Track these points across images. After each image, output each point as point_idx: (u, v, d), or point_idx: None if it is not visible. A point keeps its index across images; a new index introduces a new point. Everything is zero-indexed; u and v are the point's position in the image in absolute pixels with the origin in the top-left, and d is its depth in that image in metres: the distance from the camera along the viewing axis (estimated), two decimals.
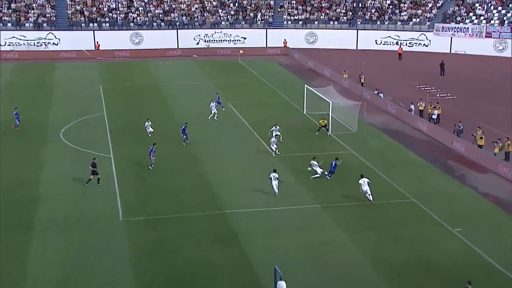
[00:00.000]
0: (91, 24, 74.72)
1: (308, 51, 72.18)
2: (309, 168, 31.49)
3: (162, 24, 76.36)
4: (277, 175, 29.86)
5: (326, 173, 30.99)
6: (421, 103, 43.44)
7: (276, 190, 29.21)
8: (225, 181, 31.17)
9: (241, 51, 70.85)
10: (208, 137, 38.24)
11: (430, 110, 42.50)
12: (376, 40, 74.96)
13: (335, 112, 41.45)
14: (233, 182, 30.95)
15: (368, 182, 28.42)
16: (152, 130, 37.51)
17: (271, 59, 70.28)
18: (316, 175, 31.03)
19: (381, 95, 47.95)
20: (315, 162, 31.24)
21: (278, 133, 36.64)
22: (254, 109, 45.16)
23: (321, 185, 30.57)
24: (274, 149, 34.68)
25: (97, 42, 71.64)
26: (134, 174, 32.14)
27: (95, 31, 72.87)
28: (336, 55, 70.78)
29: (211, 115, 42.02)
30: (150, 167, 32.19)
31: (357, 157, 34.77)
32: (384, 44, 74.61)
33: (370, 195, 28.08)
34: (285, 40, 74.29)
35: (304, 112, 44.70)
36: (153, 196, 29.27)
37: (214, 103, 42.43)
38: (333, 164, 31.14)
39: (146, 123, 37.75)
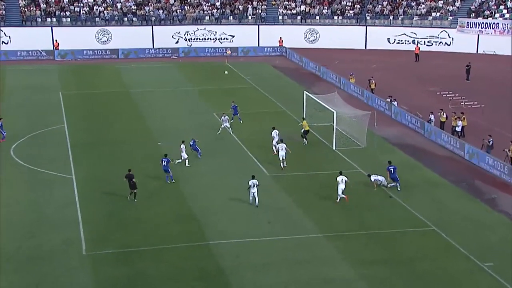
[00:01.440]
0: (48, 19, 75.08)
1: (308, 51, 72.91)
2: (376, 188, 32.83)
3: (134, 19, 76.91)
4: (257, 182, 30.48)
5: (391, 184, 33.02)
6: (442, 113, 43.93)
7: (256, 200, 30.43)
8: (210, 206, 31.29)
9: (229, 52, 71.50)
10: (191, 155, 38.41)
11: (453, 121, 43.04)
12: (388, 39, 75.82)
13: (340, 123, 41.77)
14: (220, 207, 31.07)
15: (346, 181, 31.05)
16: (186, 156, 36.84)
17: (264, 61, 70.87)
18: (389, 184, 32.84)
19: (395, 103, 48.46)
20: (374, 177, 32.84)
21: (277, 137, 38.19)
22: (245, 120, 45.47)
23: (323, 210, 30.75)
24: (281, 159, 35.83)
25: (56, 41, 71.94)
26: (100, 198, 32.17)
27: (53, 28, 73.27)
28: (341, 56, 71.53)
29: (224, 127, 41.91)
30: (199, 156, 36.16)
31: (366, 177, 35.00)
32: (398, 43, 75.48)
33: (342, 194, 31.02)
34: (280, 38, 74.98)
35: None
36: (124, 224, 29.30)
37: (226, 117, 42.45)
38: (392, 170, 32.81)
39: (182, 145, 36.70)
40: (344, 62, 68.01)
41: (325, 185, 33.70)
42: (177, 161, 36.00)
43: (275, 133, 39.45)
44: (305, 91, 46.51)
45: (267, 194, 32.57)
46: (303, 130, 41.13)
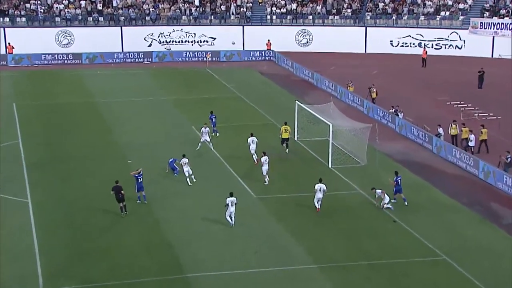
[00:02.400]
0: (0, 19, 74.89)
1: (300, 55, 73.22)
2: (377, 204, 33.64)
3: (101, 19, 76.92)
4: (235, 200, 30.78)
5: (394, 198, 34.20)
6: (453, 125, 44.15)
7: (233, 219, 31.03)
8: (187, 232, 31.14)
9: (209, 56, 71.63)
10: (165, 174, 38.35)
11: (463, 134, 43.23)
12: (391, 41, 76.33)
13: (337, 138, 41.84)
14: (198, 234, 30.93)
15: (324, 190, 32.78)
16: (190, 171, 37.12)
17: (249, 66, 71.05)
18: (387, 205, 33.45)
19: (400, 114, 48.67)
20: (379, 192, 33.63)
21: (254, 145, 39.55)
22: (228, 134, 45.36)
23: (318, 238, 30.70)
24: (264, 173, 36.62)
25: (9, 44, 71.69)
26: (60, 224, 31.95)
27: (5, 29, 73.13)
28: (337, 61, 71.89)
29: (203, 141, 42.17)
30: (175, 174, 37.45)
31: (367, 198, 35.07)
32: (402, 46, 75.99)
33: (319, 203, 32.90)
34: (268, 41, 75.28)
35: (296, 138, 45.10)
36: (87, 255, 29.08)
37: (206, 128, 42.70)
38: (398, 181, 34.31)
39: (184, 159, 37.33)
40: (341, 67, 68.32)
41: (320, 208, 33.64)
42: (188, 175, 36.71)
43: (251, 140, 40.07)
44: (296, 101, 46.61)
45: (253, 218, 32.49)
46: (280, 136, 42.25)
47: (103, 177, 37.17)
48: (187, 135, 45.88)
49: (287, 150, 42.47)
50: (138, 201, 34.05)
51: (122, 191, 32.56)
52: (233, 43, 61.75)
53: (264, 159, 36.88)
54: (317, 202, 33.21)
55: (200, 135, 42.74)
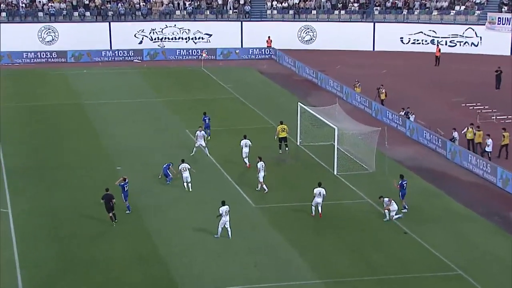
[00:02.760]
0: None
1: (303, 53, 73.30)
2: (387, 215, 33.60)
3: (87, 14, 76.96)
4: (228, 208, 30.94)
5: (406, 207, 34.54)
6: (470, 129, 44.15)
7: (229, 232, 31.04)
8: (181, 245, 31.16)
9: (205, 54, 71.60)
10: (158, 182, 38.41)
11: (476, 138, 43.06)
12: (401, 38, 76.37)
13: (343, 142, 41.87)
14: (193, 246, 30.95)
15: (324, 194, 33.39)
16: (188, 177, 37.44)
17: (248, 65, 71.09)
18: (398, 215, 33.54)
19: (411, 117, 48.76)
20: (387, 200, 33.76)
21: (247, 149, 40.14)
22: (225, 138, 45.40)
23: (322, 250, 30.74)
24: (261, 181, 36.97)
25: None
26: (43, 236, 31.94)
27: None
28: (343, 59, 71.92)
29: (198, 146, 42.29)
30: (168, 182, 37.46)
31: (375, 208, 35.12)
32: (413, 43, 76.04)
33: (319, 209, 33.36)
34: (269, 38, 75.36)
35: (298, 143, 45.15)
36: (72, 268, 29.09)
37: (202, 132, 42.87)
38: (404, 184, 34.76)
39: (183, 164, 37.56)
40: (347, 66, 68.37)
41: (324, 218, 33.71)
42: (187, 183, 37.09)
43: (244, 143, 40.45)
44: (299, 103, 46.65)
45: (252, 229, 32.55)
46: (276, 137, 42.69)
47: (90, 185, 37.20)
48: (181, 140, 45.94)
49: (287, 149, 42.90)
50: (128, 211, 34.09)
51: (113, 200, 32.82)
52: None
53: (260, 164, 37.00)
54: (315, 207, 33.68)
55: (195, 140, 42.76)
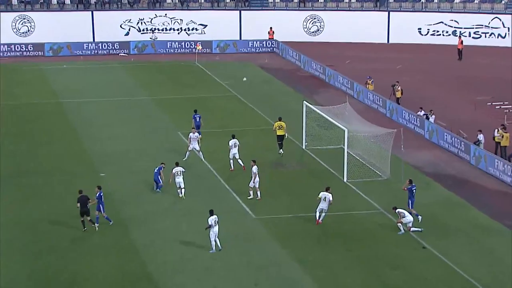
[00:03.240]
0: None
1: (309, 46, 73.35)
2: (401, 228, 33.69)
3: (67, 1, 76.93)
4: (217, 218, 31.01)
5: (418, 216, 34.66)
6: (501, 131, 43.94)
7: (218, 243, 31.20)
8: (172, 261, 31.06)
9: (199, 47, 71.57)
10: (146, 191, 38.41)
11: (503, 141, 42.97)
12: (419, 29, 76.35)
13: (353, 145, 41.81)
14: (185, 262, 30.89)
15: (330, 200, 33.64)
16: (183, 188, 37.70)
17: (248, 59, 71.10)
18: (417, 229, 33.50)
19: (431, 117, 48.77)
20: (401, 210, 33.68)
21: (235, 149, 40.77)
22: (221, 141, 45.32)
23: (330, 267, 30.63)
24: (256, 190, 37.12)
25: None
26: (22, 250, 31.85)
27: None
28: (354, 53, 71.96)
29: (192, 149, 42.31)
30: (158, 190, 37.75)
31: (389, 219, 35.07)
32: (433, 35, 75.99)
33: (323, 215, 34.00)
34: (271, 29, 75.40)
35: (303, 147, 45.16)
36: (57, 284, 29.11)
37: (195, 133, 42.81)
38: (413, 190, 35.02)
39: (177, 168, 37.72)
40: (359, 61, 68.39)
41: (333, 230, 33.66)
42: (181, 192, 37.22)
43: (233, 143, 40.95)
44: (305, 102, 46.62)
45: (252, 243, 32.50)
46: (279, 139, 43.18)
47: (71, 193, 36.91)
48: (172, 143, 45.93)
49: (281, 150, 43.27)
50: (110, 222, 34.04)
51: (89, 201, 33.14)
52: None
53: (255, 168, 37.11)
54: (319, 213, 34.06)
55: (188, 143, 42.73)
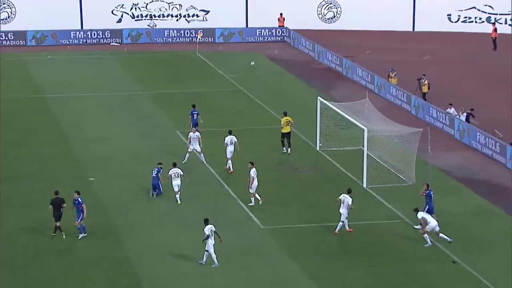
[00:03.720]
0: None
1: (325, 35, 73.36)
2: (428, 239, 33.36)
3: None
4: (214, 228, 30.94)
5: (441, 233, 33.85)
6: None
7: (214, 258, 31.04)
8: (169, 277, 31.02)
9: (200, 35, 71.46)
10: (140, 197, 38.42)
11: None
12: (449, 15, 76.24)
13: (374, 147, 41.68)
14: (184, 278, 30.78)
15: (349, 204, 33.90)
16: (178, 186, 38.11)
17: (256, 49, 71.13)
18: (444, 236, 33.35)
19: (462, 116, 48.63)
20: (423, 215, 33.42)
21: (231, 147, 41.35)
22: (224, 142, 45.32)
23: (347, 283, 30.53)
24: (254, 194, 37.23)
25: None
26: (4, 262, 31.66)
27: None
28: (375, 42, 71.95)
29: (192, 151, 42.42)
30: (153, 196, 37.98)
31: (415, 230, 34.89)
32: (464, 21, 75.85)
33: (344, 222, 34.09)
34: (281, 15, 75.40)
35: (318, 148, 45.14)
36: None
37: (196, 133, 42.73)
38: (431, 195, 34.98)
39: (174, 169, 38.10)
40: (381, 51, 68.32)
41: (351, 243, 33.61)
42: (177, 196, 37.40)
43: (229, 140, 41.40)
44: (319, 97, 46.58)
45: (259, 257, 32.45)
46: (282, 137, 43.76)
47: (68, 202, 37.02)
48: (170, 143, 46.00)
49: (288, 150, 43.62)
50: (83, 234, 33.95)
51: (64, 205, 33.34)
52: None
53: (253, 171, 37.20)
54: (342, 222, 34.22)
55: (188, 143, 42.71)
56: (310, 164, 43.23)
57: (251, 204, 37.35)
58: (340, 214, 34.13)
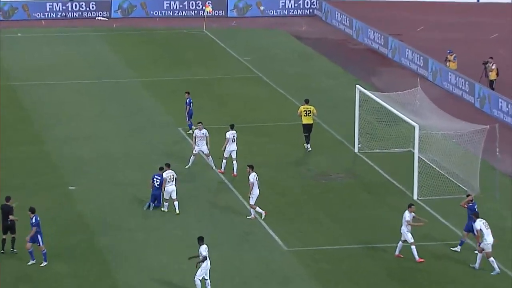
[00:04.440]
0: None
1: (365, 6, 73.64)
2: (495, 265, 33.23)
3: None
4: (207, 248, 30.99)
5: (462, 241, 34.68)
6: None
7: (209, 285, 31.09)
8: None
9: (209, 8, 71.36)
10: (132, 212, 38.50)
11: None
12: None
13: (427, 148, 41.56)
14: None
15: (406, 219, 33.70)
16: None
17: (278, 26, 71.29)
18: (494, 268, 33.30)
19: None
20: (481, 225, 33.55)
21: (233, 144, 41.46)
22: (239, 141, 45.26)
23: None
24: (255, 206, 37.35)
25: None
26: None
27: None
28: (429, 17, 71.88)
29: (197, 153, 42.75)
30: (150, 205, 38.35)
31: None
32: None
33: (412, 247, 33.87)
34: None
35: (356, 150, 45.19)
36: None
37: (202, 130, 42.76)
38: (475, 209, 34.79)
39: (168, 172, 38.80)
40: (436, 28, 68.27)
41: (397, 269, 33.58)
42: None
43: (231, 136, 41.70)
44: (358, 86, 46.53)
45: (283, 285, 32.55)
46: (305, 128, 44.24)
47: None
48: (170, 143, 46.29)
49: (308, 146, 44.01)
50: (44, 263, 33.94)
51: (12, 217, 33.43)
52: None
53: (252, 177, 37.21)
54: (408, 243, 34.05)
55: (193, 143, 42.78)
56: (345, 169, 43.23)
57: (250, 217, 37.46)
58: (407, 236, 34.01)
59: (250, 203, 37.47)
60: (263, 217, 37.28)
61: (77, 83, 56.62)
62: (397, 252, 34.01)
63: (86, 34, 68.17)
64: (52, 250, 33.64)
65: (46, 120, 50.08)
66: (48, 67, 59.93)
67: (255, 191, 37.20)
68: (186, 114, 46.15)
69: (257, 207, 37.30)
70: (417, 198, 39.60)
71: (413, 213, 33.70)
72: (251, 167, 37.60)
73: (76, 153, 45.07)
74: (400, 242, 33.84)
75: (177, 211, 37.60)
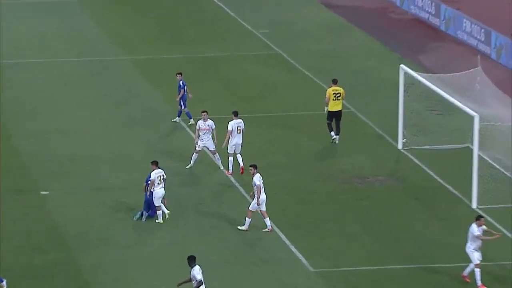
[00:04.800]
0: None
1: None
2: None
3: None
4: (201, 270, 30.88)
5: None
6: None
7: None
8: None
9: None
10: (120, 224, 38.67)
11: None
12: None
13: (489, 144, 41.51)
14: None
15: (473, 234, 33.19)
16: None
17: None
18: None
19: None
20: None
21: (238, 139, 41.99)
22: (253, 134, 45.35)
23: None
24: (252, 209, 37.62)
25: None
26: None
27: None
28: None
29: (200, 149, 43.04)
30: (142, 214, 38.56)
31: None
32: None
33: (475, 270, 33.27)
34: None
35: (399, 146, 45.31)
36: None
37: (207, 121, 43.15)
38: None
39: (157, 171, 39.28)
40: None
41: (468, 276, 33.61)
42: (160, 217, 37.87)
43: (235, 126, 41.78)
44: (402, 66, 46.55)
45: None
46: (327, 111, 44.29)
47: (18, 225, 37.37)
48: (167, 137, 46.75)
49: (337, 137, 44.35)
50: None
51: None
52: None
53: (257, 178, 37.22)
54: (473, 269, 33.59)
55: (196, 138, 42.81)
56: (387, 170, 43.34)
57: (242, 227, 37.48)
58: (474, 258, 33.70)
59: (250, 208, 37.48)
60: (269, 230, 37.39)
61: (53, 62, 57.01)
62: (464, 273, 33.86)
63: (66, 2, 68.37)
64: (20, 271, 33.71)
65: (15, 107, 50.39)
66: (18, 42, 60.38)
67: (263, 196, 37.23)
68: (179, 100, 46.32)
69: (267, 220, 37.45)
70: (477, 207, 39.58)
71: (483, 227, 33.27)
72: (255, 166, 37.59)
73: (51, 150, 45.30)
74: (476, 268, 33.59)
75: (166, 217, 37.89)
